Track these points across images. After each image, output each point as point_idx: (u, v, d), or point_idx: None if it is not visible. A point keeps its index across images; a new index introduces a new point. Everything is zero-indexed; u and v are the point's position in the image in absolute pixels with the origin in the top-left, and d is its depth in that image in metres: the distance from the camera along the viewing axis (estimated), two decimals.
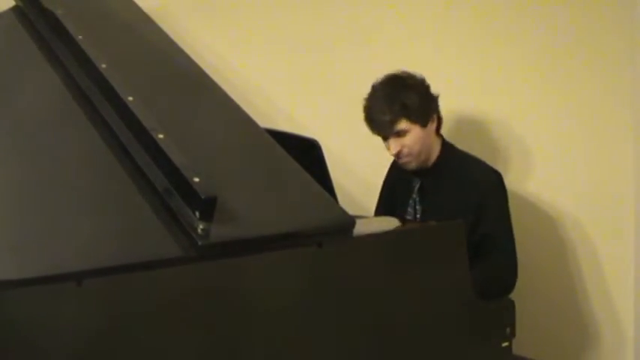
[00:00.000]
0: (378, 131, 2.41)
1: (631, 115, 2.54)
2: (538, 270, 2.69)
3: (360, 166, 2.95)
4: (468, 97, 2.84)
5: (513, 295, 2.34)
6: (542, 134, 2.73)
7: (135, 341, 1.54)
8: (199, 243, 1.62)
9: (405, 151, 2.40)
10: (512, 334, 2.25)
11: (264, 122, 2.18)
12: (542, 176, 2.75)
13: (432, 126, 2.43)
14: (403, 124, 2.36)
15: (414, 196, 2.50)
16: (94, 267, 1.50)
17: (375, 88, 2.41)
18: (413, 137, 2.38)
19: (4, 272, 1.45)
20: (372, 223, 2.27)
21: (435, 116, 2.44)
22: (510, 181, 2.68)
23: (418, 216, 2.48)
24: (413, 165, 2.44)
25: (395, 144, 2.39)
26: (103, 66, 2.08)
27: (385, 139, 2.42)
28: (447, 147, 2.49)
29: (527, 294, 2.48)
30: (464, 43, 2.84)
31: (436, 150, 2.46)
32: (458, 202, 2.36)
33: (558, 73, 2.68)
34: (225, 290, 1.66)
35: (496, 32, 2.78)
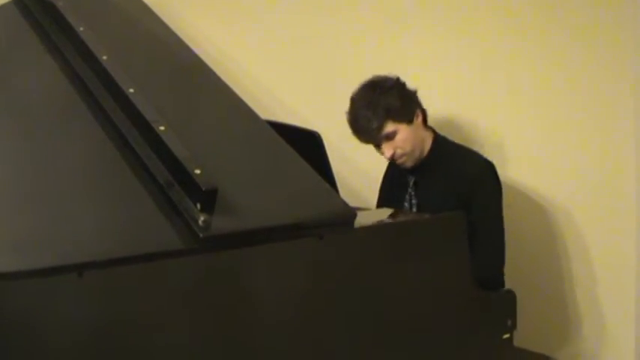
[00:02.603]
0: (368, 140, 2.43)
1: (633, 110, 2.53)
2: (539, 263, 2.69)
3: (361, 158, 2.94)
4: (468, 93, 2.84)
5: (514, 287, 2.34)
6: (543, 131, 2.73)
7: (136, 333, 1.55)
8: (200, 235, 1.62)
9: (399, 152, 2.42)
10: (514, 325, 2.26)
11: (265, 114, 2.18)
12: (545, 172, 2.75)
13: (418, 120, 2.44)
14: (390, 127, 2.37)
15: (410, 190, 2.51)
16: (95, 259, 1.50)
17: (354, 100, 2.41)
18: (402, 136, 2.39)
19: (6, 264, 1.46)
20: (373, 215, 2.28)
21: (418, 111, 2.44)
22: (512, 177, 2.68)
23: (414, 210, 2.50)
24: (409, 163, 2.46)
25: (388, 148, 2.41)
26: (104, 58, 2.07)
27: (377, 146, 2.44)
28: (438, 139, 2.50)
29: (528, 286, 2.48)
30: (464, 40, 2.83)
31: (428, 143, 2.48)
32: (450, 193, 2.38)
33: (559, 68, 2.67)
34: (227, 282, 1.66)
35: (497, 29, 2.77)
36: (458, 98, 2.84)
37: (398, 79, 2.44)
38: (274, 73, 3.26)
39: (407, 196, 2.51)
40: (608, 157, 2.61)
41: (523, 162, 2.77)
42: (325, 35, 3.14)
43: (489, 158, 2.50)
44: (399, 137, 2.39)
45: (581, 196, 2.68)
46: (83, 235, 1.58)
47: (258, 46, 3.28)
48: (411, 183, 2.51)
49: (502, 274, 2.41)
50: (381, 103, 2.36)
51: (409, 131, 2.40)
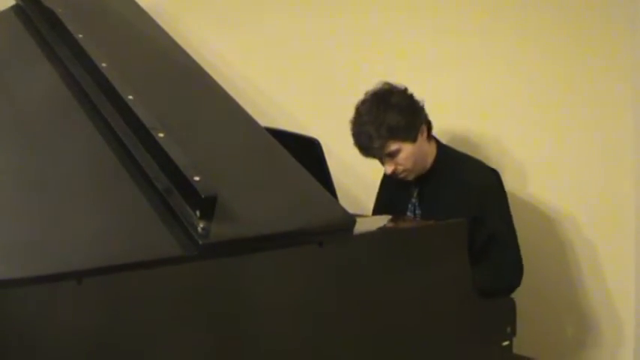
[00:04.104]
0: (369, 156, 2.40)
1: (632, 115, 2.54)
2: (539, 269, 2.69)
3: (360, 165, 2.93)
4: (468, 98, 2.84)
5: (514, 294, 2.34)
6: (542, 136, 2.73)
7: (134, 340, 1.54)
8: (200, 242, 1.62)
9: (400, 168, 2.39)
10: (513, 333, 2.25)
11: (264, 121, 2.18)
12: (543, 177, 2.75)
13: (423, 136, 2.39)
14: (393, 146, 2.34)
15: (413, 200, 2.48)
16: (94, 266, 1.50)
17: (359, 111, 2.37)
18: (405, 155, 2.36)
19: (4, 271, 1.45)
20: (372, 222, 2.28)
21: (423, 127, 2.39)
22: (511, 183, 2.67)
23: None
24: (411, 177, 2.44)
25: (389, 164, 2.39)
26: (104, 65, 2.07)
27: (379, 160, 2.42)
28: (442, 150, 2.47)
29: (528, 293, 2.48)
30: (464, 45, 2.84)
31: (432, 155, 2.44)
32: (456, 204, 2.33)
33: (558, 73, 2.67)
34: (226, 289, 1.65)
35: (496, 33, 2.77)
36: (459, 106, 2.84)
37: (405, 90, 2.38)
38: (273, 80, 3.26)
39: (410, 206, 2.49)
40: (608, 163, 2.61)
41: (524, 169, 2.77)
42: (325, 41, 3.14)
43: (493, 166, 2.49)
44: (401, 155, 2.36)
45: (581, 203, 2.68)
46: (82, 241, 1.58)
47: (258, 52, 3.28)
48: (415, 194, 2.48)
49: (520, 277, 2.40)
50: (385, 121, 2.30)
51: (412, 149, 2.36)
